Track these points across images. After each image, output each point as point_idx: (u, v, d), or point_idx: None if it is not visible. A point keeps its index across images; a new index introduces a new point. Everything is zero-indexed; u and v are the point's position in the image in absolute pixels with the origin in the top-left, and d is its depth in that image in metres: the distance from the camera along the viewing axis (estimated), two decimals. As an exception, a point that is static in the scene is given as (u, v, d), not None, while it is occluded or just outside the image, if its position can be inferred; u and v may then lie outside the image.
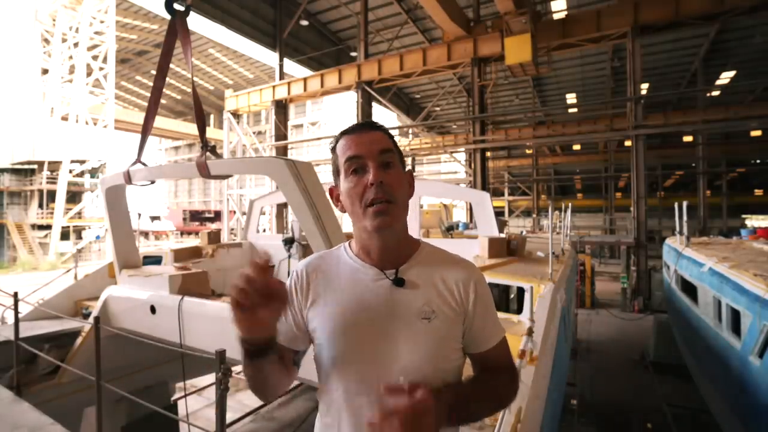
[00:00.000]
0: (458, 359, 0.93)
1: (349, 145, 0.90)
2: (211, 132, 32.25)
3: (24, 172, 24.87)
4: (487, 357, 0.95)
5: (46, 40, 24.71)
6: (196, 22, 18.30)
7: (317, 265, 0.96)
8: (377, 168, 0.87)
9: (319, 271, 0.95)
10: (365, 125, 0.93)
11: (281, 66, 17.07)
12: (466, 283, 0.92)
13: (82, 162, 24.41)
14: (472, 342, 0.94)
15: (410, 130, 25.41)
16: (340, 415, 0.88)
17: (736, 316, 4.24)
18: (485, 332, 0.94)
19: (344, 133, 0.93)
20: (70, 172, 23.85)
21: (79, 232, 25.24)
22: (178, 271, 3.72)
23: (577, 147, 29.35)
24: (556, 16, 14.37)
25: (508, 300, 4.43)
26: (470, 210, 12.42)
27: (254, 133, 22.20)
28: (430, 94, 23.61)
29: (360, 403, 0.85)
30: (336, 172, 0.94)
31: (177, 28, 3.16)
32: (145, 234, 34.31)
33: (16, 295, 3.79)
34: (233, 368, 2.23)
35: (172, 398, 5.09)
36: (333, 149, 0.95)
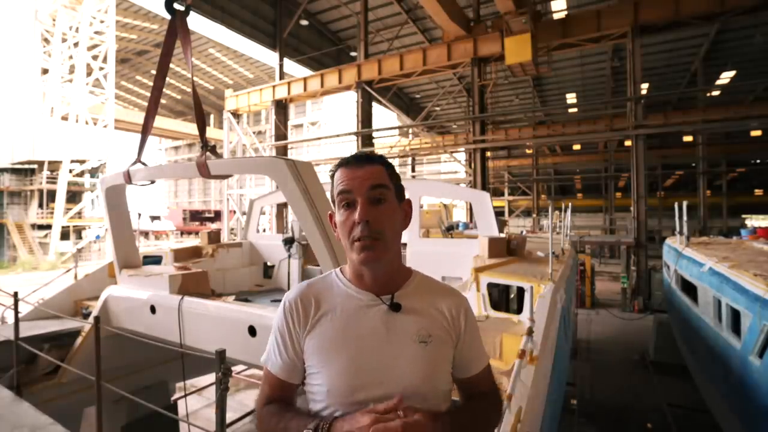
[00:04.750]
0: (449, 382, 0.97)
1: (342, 179, 0.91)
2: (211, 132, 32.26)
3: (24, 172, 24.86)
4: (474, 381, 1.00)
5: (46, 40, 24.70)
6: (196, 22, 18.34)
7: (310, 293, 0.96)
8: (365, 205, 0.88)
9: (313, 299, 0.94)
10: (361, 158, 0.93)
11: (281, 66, 17.07)
12: (457, 311, 0.97)
13: (82, 162, 24.41)
14: (462, 366, 0.98)
15: (410, 130, 25.40)
16: None
17: (736, 316, 4.24)
18: (474, 357, 1.00)
19: (343, 164, 0.94)
20: (70, 172, 23.85)
21: (79, 232, 25.24)
22: (178, 271, 3.72)
23: (577, 147, 29.34)
24: (556, 16, 14.37)
25: (508, 300, 4.43)
26: (470, 210, 12.41)
27: (254, 133, 22.21)
28: (430, 94, 23.62)
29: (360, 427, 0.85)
30: (333, 201, 0.95)
31: (177, 28, 3.15)
32: (145, 234, 34.31)
33: (16, 295, 3.79)
34: (233, 368, 2.23)
35: (172, 398, 5.09)
36: (332, 177, 0.95)
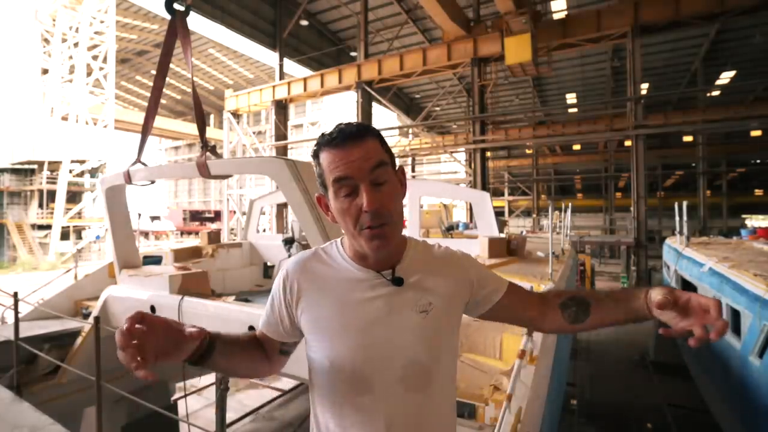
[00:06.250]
0: (453, 348, 0.97)
1: (337, 163, 0.82)
2: (211, 132, 32.24)
3: (24, 172, 24.87)
4: (513, 293, 1.01)
5: (46, 40, 24.70)
6: (196, 22, 18.34)
7: (309, 265, 0.94)
8: (371, 191, 0.81)
9: (312, 271, 0.93)
10: (352, 134, 0.83)
11: (281, 66, 17.07)
12: (457, 267, 0.97)
13: (82, 162, 24.41)
14: (492, 293, 0.99)
15: (410, 130, 25.40)
16: (341, 414, 0.88)
17: (736, 316, 4.24)
18: (494, 282, 1.00)
19: (329, 143, 0.84)
20: (70, 172, 23.85)
21: (79, 232, 25.24)
22: (178, 271, 3.72)
23: (577, 147, 29.33)
24: (556, 16, 14.36)
25: (508, 300, 4.43)
26: (470, 210, 12.41)
27: (254, 133, 22.18)
28: (430, 94, 23.61)
29: (364, 402, 0.86)
30: (323, 185, 0.88)
31: (177, 28, 3.16)
32: (145, 234, 34.29)
33: (16, 295, 3.79)
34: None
35: (172, 398, 5.09)
36: (315, 156, 0.87)
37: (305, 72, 17.84)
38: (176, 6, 3.12)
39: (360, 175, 0.82)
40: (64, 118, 24.20)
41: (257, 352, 0.95)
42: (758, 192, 30.98)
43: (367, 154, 0.83)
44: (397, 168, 0.92)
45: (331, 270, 0.93)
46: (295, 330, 0.94)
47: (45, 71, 24.64)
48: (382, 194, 0.83)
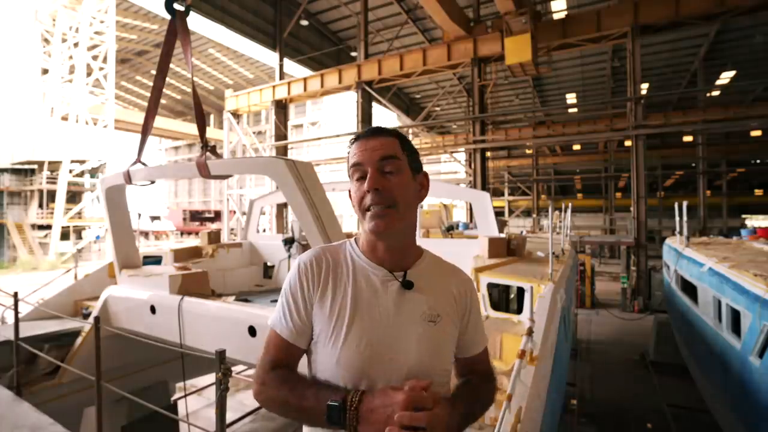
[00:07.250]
0: (451, 354, 0.99)
1: (355, 152, 0.93)
2: (211, 132, 32.25)
3: (24, 172, 24.87)
4: (475, 361, 1.03)
5: (46, 40, 24.72)
6: (196, 22, 18.32)
7: (324, 258, 0.96)
8: (374, 175, 0.89)
9: (327, 264, 0.94)
10: (373, 131, 0.95)
11: (281, 66, 17.07)
12: (465, 293, 1.00)
13: (82, 162, 24.41)
14: (464, 346, 1.01)
15: (410, 130, 25.40)
16: None
17: (736, 316, 4.24)
18: (476, 337, 1.03)
19: (356, 138, 0.96)
20: (70, 172, 23.84)
21: (79, 232, 25.24)
22: (178, 271, 3.72)
23: (577, 147, 29.35)
24: (556, 16, 14.37)
25: (508, 300, 4.42)
26: (470, 210, 12.41)
27: (254, 133, 22.18)
28: (430, 94, 23.61)
29: None
30: (349, 177, 0.97)
31: (177, 28, 3.16)
32: (145, 234, 34.31)
33: (16, 295, 3.79)
34: (233, 368, 2.23)
35: (172, 398, 5.09)
36: (347, 154, 0.97)
37: (305, 72, 17.84)
38: (176, 6, 3.12)
39: (369, 161, 0.90)
40: (64, 118, 24.20)
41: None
42: (758, 192, 30.99)
43: (380, 145, 0.91)
44: (421, 172, 0.98)
45: (344, 263, 0.95)
46: (311, 328, 0.93)
47: (45, 71, 24.65)
48: (386, 180, 0.89)
